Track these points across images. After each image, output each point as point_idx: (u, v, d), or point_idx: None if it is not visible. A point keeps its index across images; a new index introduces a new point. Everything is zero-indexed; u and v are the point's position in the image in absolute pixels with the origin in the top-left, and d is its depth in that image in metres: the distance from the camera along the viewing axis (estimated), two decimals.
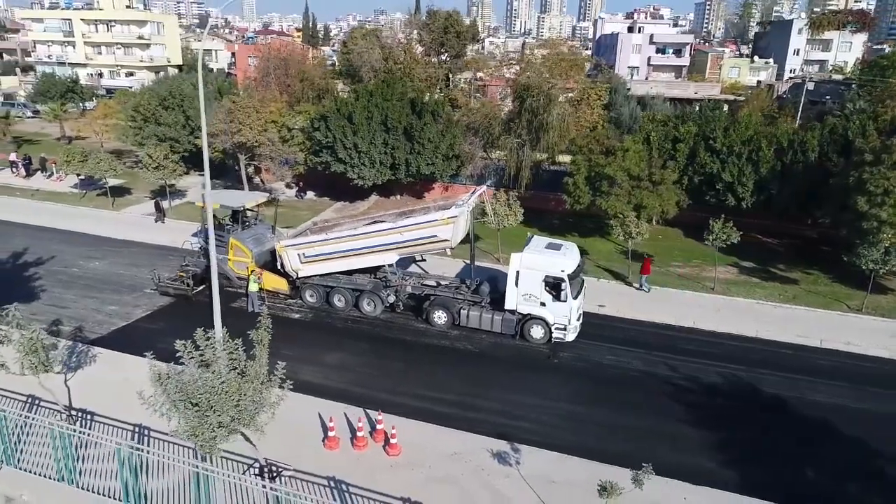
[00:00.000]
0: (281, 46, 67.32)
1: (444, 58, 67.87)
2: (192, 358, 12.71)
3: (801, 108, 57.63)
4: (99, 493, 14.08)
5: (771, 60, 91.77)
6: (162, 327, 22.75)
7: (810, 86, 69.38)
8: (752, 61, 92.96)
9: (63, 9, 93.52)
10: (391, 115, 34.36)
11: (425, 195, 40.11)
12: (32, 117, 67.95)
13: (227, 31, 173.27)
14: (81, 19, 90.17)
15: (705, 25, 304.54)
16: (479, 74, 65.93)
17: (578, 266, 22.02)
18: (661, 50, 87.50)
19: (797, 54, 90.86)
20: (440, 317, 23.23)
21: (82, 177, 39.45)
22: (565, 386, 19.83)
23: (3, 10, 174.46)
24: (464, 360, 21.24)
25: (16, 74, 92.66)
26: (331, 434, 16.11)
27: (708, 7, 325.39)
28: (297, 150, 36.25)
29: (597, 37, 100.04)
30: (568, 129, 35.86)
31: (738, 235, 25.73)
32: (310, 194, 40.49)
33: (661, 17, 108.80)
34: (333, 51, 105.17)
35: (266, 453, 15.82)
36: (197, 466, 12.67)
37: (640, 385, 19.72)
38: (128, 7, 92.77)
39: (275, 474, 14.82)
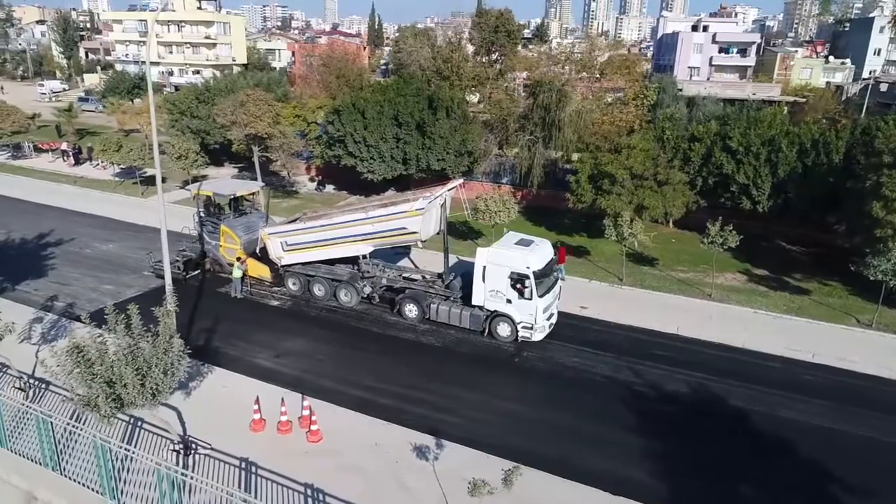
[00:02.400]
0: (331, 45, 69.11)
1: (494, 57, 67.52)
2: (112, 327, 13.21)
3: (864, 111, 53.67)
4: (28, 459, 14.77)
5: (848, 61, 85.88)
6: (144, 307, 23.65)
7: (882, 87, 64.50)
8: (827, 61, 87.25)
9: (140, 10, 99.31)
10: (402, 110, 34.43)
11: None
12: (103, 111, 72.60)
13: (296, 31, 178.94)
14: (156, 20, 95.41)
15: (795, 25, 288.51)
16: (524, 74, 65.23)
17: (548, 263, 21.29)
18: (724, 49, 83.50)
19: (878, 54, 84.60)
20: (411, 310, 23.06)
21: (122, 165, 41.72)
22: (518, 386, 19.25)
23: (101, 11, 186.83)
24: (424, 354, 20.97)
25: (97, 72, 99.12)
26: (255, 417, 16.29)
27: (798, 6, 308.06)
28: (314, 144, 36.93)
29: (658, 36, 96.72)
30: (585, 127, 34.76)
31: (738, 239, 24.16)
32: (329, 188, 41.18)
33: (730, 16, 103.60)
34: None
35: (194, 430, 16.27)
36: (96, 437, 13.06)
37: (598, 389, 18.85)
38: (199, 9, 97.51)
39: (191, 451, 15.12)
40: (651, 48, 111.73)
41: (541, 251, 21.35)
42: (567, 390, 18.84)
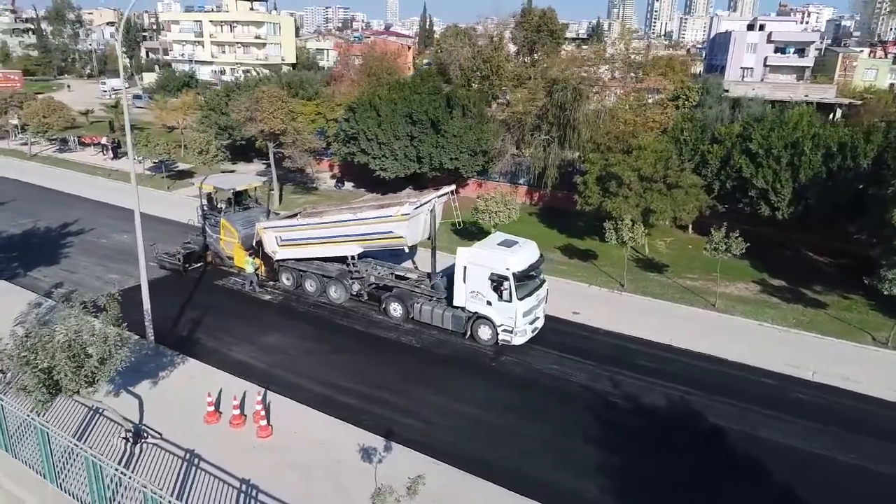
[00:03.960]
0: (373, 45, 69.64)
1: (536, 56, 66.54)
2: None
3: None
4: None
5: None
6: (138, 298, 24.25)
7: None
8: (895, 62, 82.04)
9: (196, 11, 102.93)
10: (416, 108, 34.17)
11: (459, 191, 39.40)
12: (145, 107, 75.53)
13: (348, 32, 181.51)
14: (210, 21, 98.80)
15: (872, 25, 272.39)
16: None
17: (530, 265, 20.58)
18: (780, 49, 79.58)
19: None
20: (395, 309, 22.80)
21: (153, 159, 43.11)
22: (488, 391, 18.60)
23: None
24: (401, 354, 20.61)
25: (155, 71, 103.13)
26: (209, 409, 16.32)
27: (877, 5, 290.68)
28: (332, 141, 37.18)
29: (711, 35, 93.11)
30: (600, 127, 33.60)
31: (744, 247, 22.83)
32: (348, 185, 41.38)
33: (789, 14, 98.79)
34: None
35: (151, 419, 16.47)
36: (35, 420, 13.32)
37: (570, 398, 18.06)
38: (251, 9, 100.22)
39: (139, 439, 15.27)
40: (705, 48, 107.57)
41: (523, 252, 20.67)
42: (538, 398, 18.12)
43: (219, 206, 28.04)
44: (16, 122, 53.92)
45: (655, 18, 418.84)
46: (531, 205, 38.39)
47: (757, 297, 25.18)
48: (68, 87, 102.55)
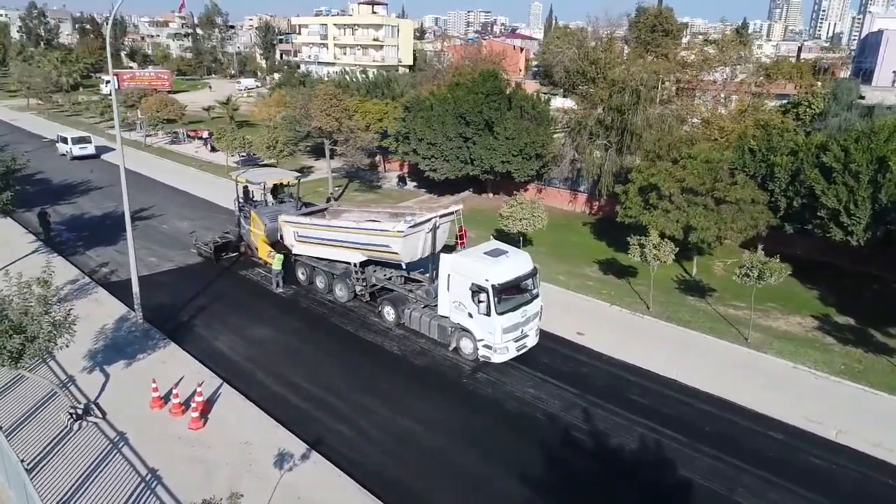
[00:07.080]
0: (482, 47, 69.79)
1: (650, 59, 62.84)
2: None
3: None
4: None
5: None
6: (166, 280, 25.60)
7: None
8: None
9: (324, 15, 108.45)
10: (468, 109, 33.15)
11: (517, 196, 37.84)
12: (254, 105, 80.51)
13: (478, 35, 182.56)
14: (334, 24, 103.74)
15: None
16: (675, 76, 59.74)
17: (516, 278, 18.99)
18: None
19: None
20: (389, 313, 22.12)
21: (244, 153, 45.70)
22: (442, 408, 17.28)
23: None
24: (376, 359, 19.85)
25: (281, 71, 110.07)
26: (154, 395, 16.61)
27: None
28: (392, 140, 37.29)
29: (862, 35, 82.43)
30: (669, 134, 30.55)
31: (784, 274, 19.64)
32: (411, 185, 41.18)
33: None
34: None
35: (106, 398, 17.10)
36: None
37: (530, 428, 16.35)
38: (372, 13, 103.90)
39: (82, 417, 15.83)
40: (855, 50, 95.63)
41: (508, 264, 19.12)
42: (495, 423, 16.58)
43: (254, 198, 28.95)
44: (141, 115, 59.73)
45: (822, 19, 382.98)
46: (589, 214, 35.96)
47: (807, 335, 21.53)
48: (210, 87, 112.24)
